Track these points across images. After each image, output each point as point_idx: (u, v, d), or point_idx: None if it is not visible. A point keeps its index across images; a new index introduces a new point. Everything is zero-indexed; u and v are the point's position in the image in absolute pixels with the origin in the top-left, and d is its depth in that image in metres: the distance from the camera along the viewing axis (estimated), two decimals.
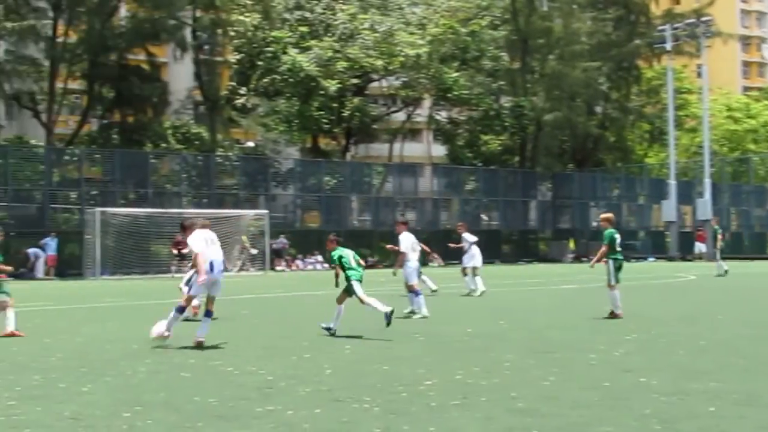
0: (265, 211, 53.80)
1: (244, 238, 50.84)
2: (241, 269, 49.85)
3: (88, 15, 59.26)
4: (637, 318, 20.09)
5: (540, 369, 12.55)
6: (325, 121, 65.60)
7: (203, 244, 15.29)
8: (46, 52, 59.13)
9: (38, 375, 12.33)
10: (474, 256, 29.80)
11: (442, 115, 76.59)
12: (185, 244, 45.32)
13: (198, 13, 64.96)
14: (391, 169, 67.98)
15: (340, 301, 17.37)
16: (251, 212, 53.61)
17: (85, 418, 9.38)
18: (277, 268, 53.76)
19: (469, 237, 30.22)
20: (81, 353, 14.64)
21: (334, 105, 66.00)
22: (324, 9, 69.84)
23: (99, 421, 9.22)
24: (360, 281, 17.21)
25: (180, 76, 74.97)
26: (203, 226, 15.85)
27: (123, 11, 64.55)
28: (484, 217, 70.52)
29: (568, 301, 26.04)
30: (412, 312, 21.34)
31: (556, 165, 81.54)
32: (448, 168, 71.44)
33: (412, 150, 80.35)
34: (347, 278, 17.19)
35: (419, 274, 21.99)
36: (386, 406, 9.87)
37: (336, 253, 17.46)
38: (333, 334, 16.97)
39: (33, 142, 64.74)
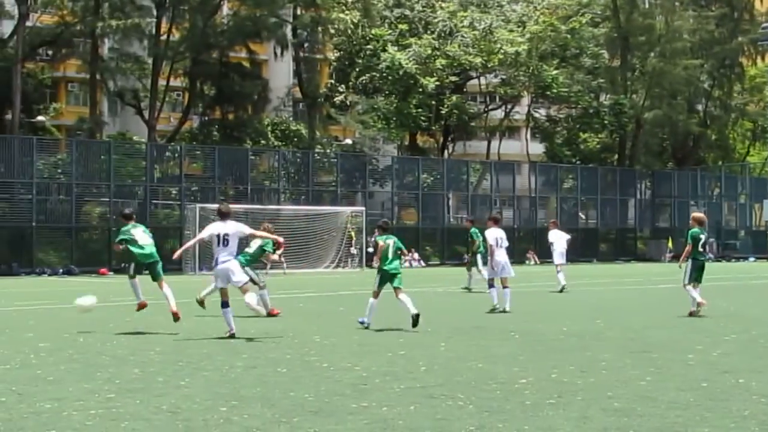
0: (362, 209, 54.02)
1: (352, 233, 51.19)
2: (337, 266, 50.18)
3: (191, 13, 60.16)
4: (737, 318, 19.67)
5: (636, 369, 12.35)
6: (423, 118, 65.61)
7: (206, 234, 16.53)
8: (149, 49, 60.17)
9: (137, 368, 12.53)
10: (562, 254, 31.19)
11: (540, 113, 76.05)
12: (280, 245, 45.62)
13: (299, 11, 65.48)
14: (488, 166, 67.67)
15: (375, 295, 18.23)
16: (348, 209, 53.87)
17: (182, 412, 9.49)
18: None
19: (551, 236, 31.81)
20: (179, 347, 14.84)
21: (433, 102, 65.99)
22: (423, 6, 69.84)
23: (196, 415, 9.32)
24: (396, 274, 18.16)
25: (280, 73, 75.66)
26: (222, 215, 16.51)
27: (225, 9, 65.37)
28: (581, 215, 69.79)
29: (665, 301, 25.58)
30: (499, 309, 21.67)
31: (656, 163, 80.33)
32: (546, 166, 70.86)
33: (509, 148, 79.85)
34: (380, 271, 18.30)
35: (502, 269, 22.10)
36: (481, 404, 9.81)
37: (383, 237, 18.50)
38: (366, 328, 17.60)
39: (135, 138, 65.98)
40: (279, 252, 22.33)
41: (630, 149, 76.52)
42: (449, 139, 74.06)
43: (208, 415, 9.32)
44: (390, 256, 18.30)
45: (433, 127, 68.83)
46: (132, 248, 17.88)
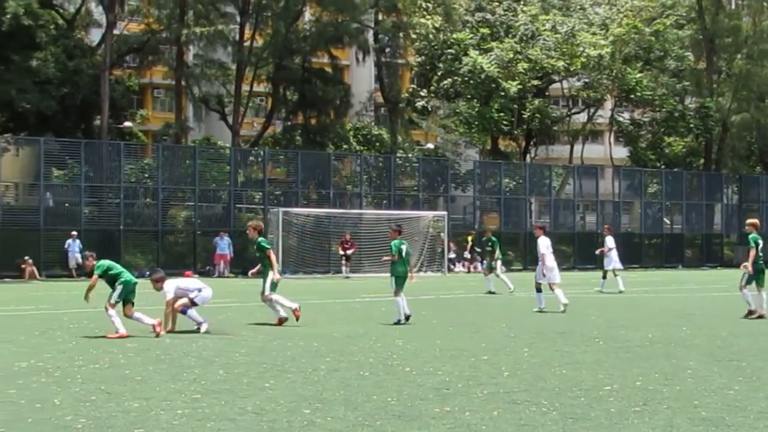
0: (444, 213, 53.95)
1: (442, 234, 51.25)
2: (419, 270, 50.22)
3: (274, 19, 60.64)
4: None
5: (724, 377, 12.16)
6: (505, 122, 65.32)
7: None
8: (233, 55, 60.81)
9: (222, 370, 12.68)
10: (613, 260, 33.14)
11: (624, 117, 75.14)
12: (352, 244, 46.00)
13: (380, 16, 65.64)
14: (571, 171, 67.10)
15: (396, 294, 20.00)
16: (430, 214, 53.83)
17: (266, 413, 9.59)
18: (456, 269, 53.80)
19: (610, 241, 33.47)
20: (263, 350, 14.98)
21: (515, 106, 65.67)
22: (505, 10, 69.56)
23: (280, 416, 9.41)
24: (402, 278, 20.14)
25: (362, 78, 75.97)
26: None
27: (307, 15, 65.78)
28: (666, 220, 68.83)
29: None
30: (564, 309, 22.92)
31: (743, 167, 78.83)
32: (630, 170, 70.04)
33: (592, 152, 79.10)
34: (393, 272, 20.12)
35: (552, 274, 23.83)
36: (565, 411, 9.74)
37: (396, 243, 20.39)
38: (400, 323, 19.62)
39: (220, 143, 66.75)
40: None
41: (716, 153, 75.23)
42: (531, 143, 73.60)
43: (291, 417, 9.40)
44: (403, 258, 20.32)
45: (515, 131, 68.46)
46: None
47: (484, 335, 17.40)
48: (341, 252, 47.43)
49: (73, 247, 45.07)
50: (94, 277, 17.36)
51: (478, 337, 17.18)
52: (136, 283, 17.77)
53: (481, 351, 14.86)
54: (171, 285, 18.40)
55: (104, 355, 14.08)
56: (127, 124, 62.56)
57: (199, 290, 18.30)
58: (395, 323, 19.82)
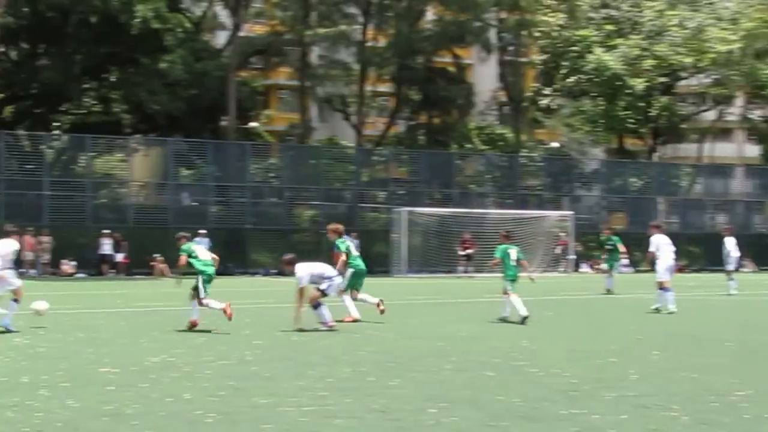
0: (570, 213, 53.40)
1: (563, 234, 50.83)
2: (545, 270, 49.79)
3: (396, 19, 60.89)
4: None
5: None
6: (631, 120, 64.31)
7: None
8: (356, 56, 61.25)
9: (349, 368, 12.75)
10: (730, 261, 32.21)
11: (755, 114, 73.19)
12: (472, 244, 45.91)
13: (503, 15, 65.31)
14: (700, 170, 65.67)
15: (507, 294, 20.61)
16: (555, 213, 53.32)
17: (392, 412, 9.61)
18: (581, 269, 53.19)
19: (729, 243, 32.39)
20: (389, 348, 15.03)
21: (641, 104, 64.56)
22: (630, 6, 68.41)
23: (406, 415, 9.42)
24: (513, 281, 20.71)
25: (485, 77, 75.67)
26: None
27: (429, 15, 65.85)
28: None
29: None
30: (657, 309, 22.85)
31: None
32: (762, 169, 68.17)
33: (723, 150, 77.26)
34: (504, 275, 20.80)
35: (670, 273, 23.73)
36: (696, 416, 9.53)
37: (502, 248, 21.05)
38: (523, 321, 19.66)
39: (343, 143, 67.24)
40: None
41: None
42: (659, 141, 72.26)
43: (417, 416, 9.41)
44: (512, 263, 20.87)
45: (642, 130, 67.30)
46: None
47: (611, 337, 17.15)
48: (461, 252, 47.31)
49: (201, 244, 45.83)
50: (183, 257, 18.61)
51: (606, 338, 16.94)
52: (211, 274, 18.75)
53: (609, 353, 14.64)
54: (304, 270, 18.01)
55: (233, 352, 14.32)
56: (253, 124, 63.56)
57: (331, 279, 18.22)
58: (501, 319, 20.49)
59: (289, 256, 18.47)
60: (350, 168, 53.75)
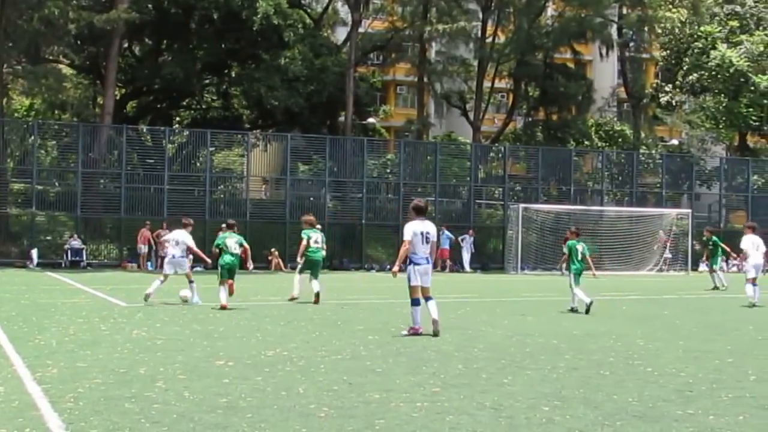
0: (688, 211, 52.42)
1: (661, 232, 49.96)
2: (660, 269, 49.03)
3: (516, 15, 60.53)
4: None
5: None
6: (753, 117, 62.77)
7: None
8: (474, 52, 61.06)
9: (461, 364, 12.73)
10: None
11: None
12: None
13: (625, 11, 64.41)
14: None
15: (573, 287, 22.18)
16: (674, 211, 52.41)
17: (505, 409, 9.56)
18: (700, 268, 52.13)
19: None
20: (502, 345, 14.96)
21: (765, 101, 62.93)
22: (756, 2, 66.79)
23: (518, 413, 9.37)
24: (578, 275, 22.43)
25: (604, 73, 74.75)
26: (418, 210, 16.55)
27: (550, 11, 65.31)
28: None
29: None
30: (753, 305, 24.46)
31: None
32: None
33: None
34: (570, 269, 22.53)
35: (757, 271, 25.56)
36: None
37: (570, 243, 22.88)
38: (574, 310, 21.83)
39: (460, 139, 67.17)
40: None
41: None
42: None
43: (530, 413, 9.35)
44: (578, 257, 22.76)
45: (765, 127, 65.60)
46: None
47: (729, 337, 16.79)
48: (565, 249, 46.77)
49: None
50: (214, 250, 22.66)
51: (723, 338, 16.58)
52: (229, 263, 22.22)
53: (726, 353, 14.33)
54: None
55: (346, 347, 14.42)
56: (371, 120, 63.94)
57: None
58: (569, 310, 22.02)
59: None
60: (467, 164, 53.66)
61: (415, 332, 16.05)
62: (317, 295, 23.09)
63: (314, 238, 24.42)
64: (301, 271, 24.39)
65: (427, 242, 16.10)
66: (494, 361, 13.12)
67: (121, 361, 12.65)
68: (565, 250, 23.27)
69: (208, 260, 24.48)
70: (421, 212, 16.33)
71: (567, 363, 13.00)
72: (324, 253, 25.08)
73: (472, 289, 31.40)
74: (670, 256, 50.27)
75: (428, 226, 16.21)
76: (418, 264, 16.01)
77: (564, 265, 25.29)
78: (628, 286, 34.33)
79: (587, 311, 21.21)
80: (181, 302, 22.55)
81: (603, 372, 12.22)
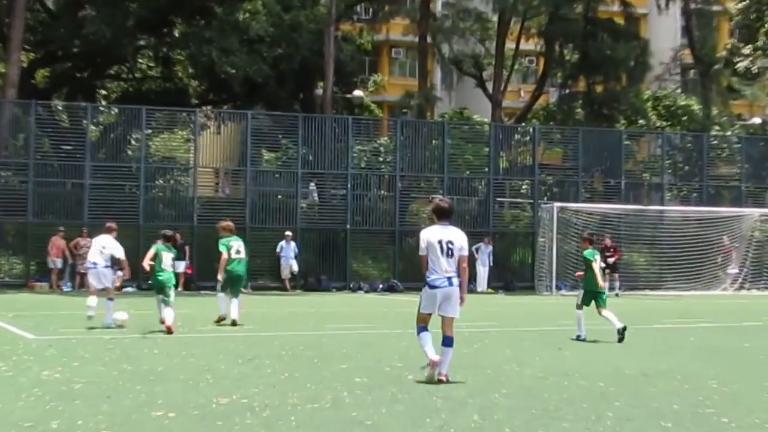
0: None
1: (725, 238, 50.10)
2: (740, 287, 49.10)
3: None
4: None
5: None
6: None
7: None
8: (494, 3, 60.93)
9: (477, 415, 12.65)
10: None
11: None
12: (615, 251, 45.79)
13: None
14: None
15: (579, 307, 23.14)
16: (756, 211, 52.41)
17: None
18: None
19: None
20: (531, 389, 14.89)
21: None
22: None
23: None
24: (601, 292, 23.49)
25: (664, 31, 74.90)
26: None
27: None
28: None
29: None
30: None
31: None
32: None
33: None
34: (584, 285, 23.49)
35: None
36: None
37: (588, 253, 23.89)
38: (583, 340, 22.54)
39: (476, 117, 67.16)
40: None
41: None
42: None
43: None
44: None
45: None
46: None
47: None
48: (602, 262, 46.74)
49: (287, 251, 46.44)
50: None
51: None
52: (162, 279, 23.74)
53: None
54: None
55: (325, 392, 14.33)
56: (357, 93, 63.85)
57: None
58: (575, 339, 22.79)
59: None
60: (484, 150, 53.64)
61: (434, 365, 15.42)
62: (234, 322, 24.70)
63: (235, 248, 25.71)
64: (223, 289, 25.61)
65: (450, 255, 15.38)
66: (521, 410, 13.06)
67: (26, 411, 12.54)
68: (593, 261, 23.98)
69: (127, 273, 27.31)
70: (443, 215, 15.75)
71: (617, 412, 12.96)
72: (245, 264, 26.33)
73: (491, 315, 31.35)
74: (736, 270, 50.34)
75: (452, 234, 15.53)
76: (434, 286, 15.32)
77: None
78: (698, 311, 34.33)
79: (621, 338, 22.07)
80: (115, 327, 22.92)
81: (665, 423, 12.19)
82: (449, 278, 15.33)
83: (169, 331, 22.33)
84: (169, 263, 23.78)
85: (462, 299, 15.50)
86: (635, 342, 22.47)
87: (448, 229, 15.62)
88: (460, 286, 15.50)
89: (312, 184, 51.94)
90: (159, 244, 24.13)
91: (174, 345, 20.56)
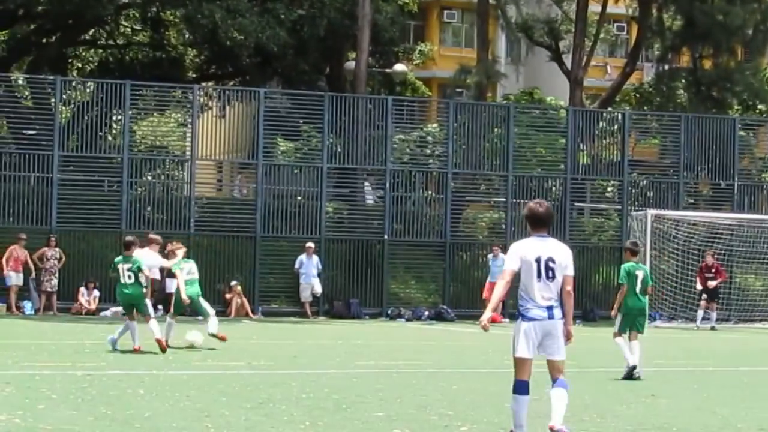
0: None
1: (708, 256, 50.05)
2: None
3: None
4: None
5: None
6: None
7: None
8: None
9: None
10: None
11: None
12: (718, 271, 46.00)
13: None
14: None
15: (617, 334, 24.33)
16: None
17: None
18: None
19: None
20: None
21: None
22: None
23: None
24: (641, 315, 24.50)
25: None
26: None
27: None
28: None
29: None
30: None
31: None
32: None
33: None
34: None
35: None
36: None
37: (627, 268, 24.72)
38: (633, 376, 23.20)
39: (549, 100, 67.05)
40: None
41: None
42: None
43: None
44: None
45: None
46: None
47: None
48: (699, 285, 46.68)
49: (309, 267, 46.28)
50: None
51: None
52: (127, 294, 26.05)
53: None
54: None
55: None
56: (399, 67, 63.79)
57: None
58: (625, 377, 23.49)
59: None
60: (560, 142, 53.59)
61: None
62: (164, 341, 26.45)
63: (187, 269, 28.24)
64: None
65: (551, 277, 14.49)
66: None
67: None
68: (622, 280, 24.79)
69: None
70: (540, 223, 14.82)
71: None
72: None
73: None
74: None
75: (553, 249, 14.69)
76: (530, 318, 14.35)
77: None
78: None
79: (628, 375, 23.34)
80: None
81: None
82: (549, 308, 14.39)
83: (162, 347, 23.17)
84: (128, 276, 25.68)
85: (568, 335, 14.62)
86: (746, 386, 22.50)
87: (547, 242, 14.76)
88: (565, 317, 14.59)
89: (367, 183, 51.98)
90: (118, 257, 26.15)
91: (165, 384, 20.66)
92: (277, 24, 52.92)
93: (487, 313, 14.71)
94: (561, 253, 14.55)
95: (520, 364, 14.31)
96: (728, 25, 61.10)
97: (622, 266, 24.90)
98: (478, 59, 62.31)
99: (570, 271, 14.57)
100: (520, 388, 14.26)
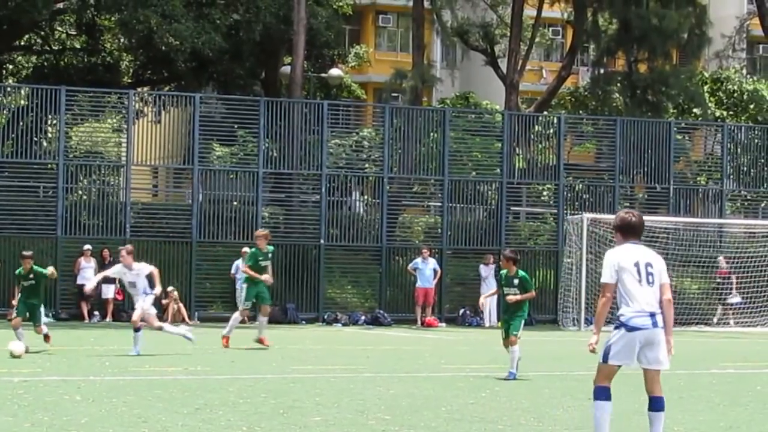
0: None
1: (723, 260, 50.37)
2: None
3: None
4: None
5: None
6: None
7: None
8: None
9: None
10: None
11: None
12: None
13: None
14: None
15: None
16: None
17: None
18: None
19: None
20: None
21: None
22: None
23: None
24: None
25: None
26: None
27: None
28: None
29: None
30: None
31: None
32: None
33: None
34: None
35: None
36: None
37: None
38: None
39: (486, 104, 67.20)
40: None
41: None
42: None
43: None
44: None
45: None
46: None
47: None
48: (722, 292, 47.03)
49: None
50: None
51: None
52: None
53: None
54: None
55: None
56: (335, 71, 63.80)
57: None
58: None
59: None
60: (495, 146, 53.73)
61: None
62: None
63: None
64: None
65: (651, 282, 14.03)
66: None
67: None
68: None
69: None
70: (632, 232, 14.38)
71: None
72: None
73: (502, 356, 31.41)
74: (738, 299, 50.43)
75: (648, 254, 14.25)
76: (633, 328, 13.92)
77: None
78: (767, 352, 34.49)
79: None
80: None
81: None
82: (652, 314, 13.88)
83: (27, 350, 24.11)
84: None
85: (669, 345, 14.01)
86: (683, 390, 22.64)
87: (640, 248, 14.28)
88: (666, 325, 14.00)
89: (356, 193, 52.12)
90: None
91: (101, 390, 20.63)
92: (213, 29, 52.94)
93: (593, 338, 14.32)
94: (657, 259, 14.17)
95: (608, 370, 14.14)
96: (663, 28, 61.41)
97: (502, 273, 25.77)
98: (413, 63, 62.44)
99: (666, 279, 14.12)
100: (603, 393, 14.14)
